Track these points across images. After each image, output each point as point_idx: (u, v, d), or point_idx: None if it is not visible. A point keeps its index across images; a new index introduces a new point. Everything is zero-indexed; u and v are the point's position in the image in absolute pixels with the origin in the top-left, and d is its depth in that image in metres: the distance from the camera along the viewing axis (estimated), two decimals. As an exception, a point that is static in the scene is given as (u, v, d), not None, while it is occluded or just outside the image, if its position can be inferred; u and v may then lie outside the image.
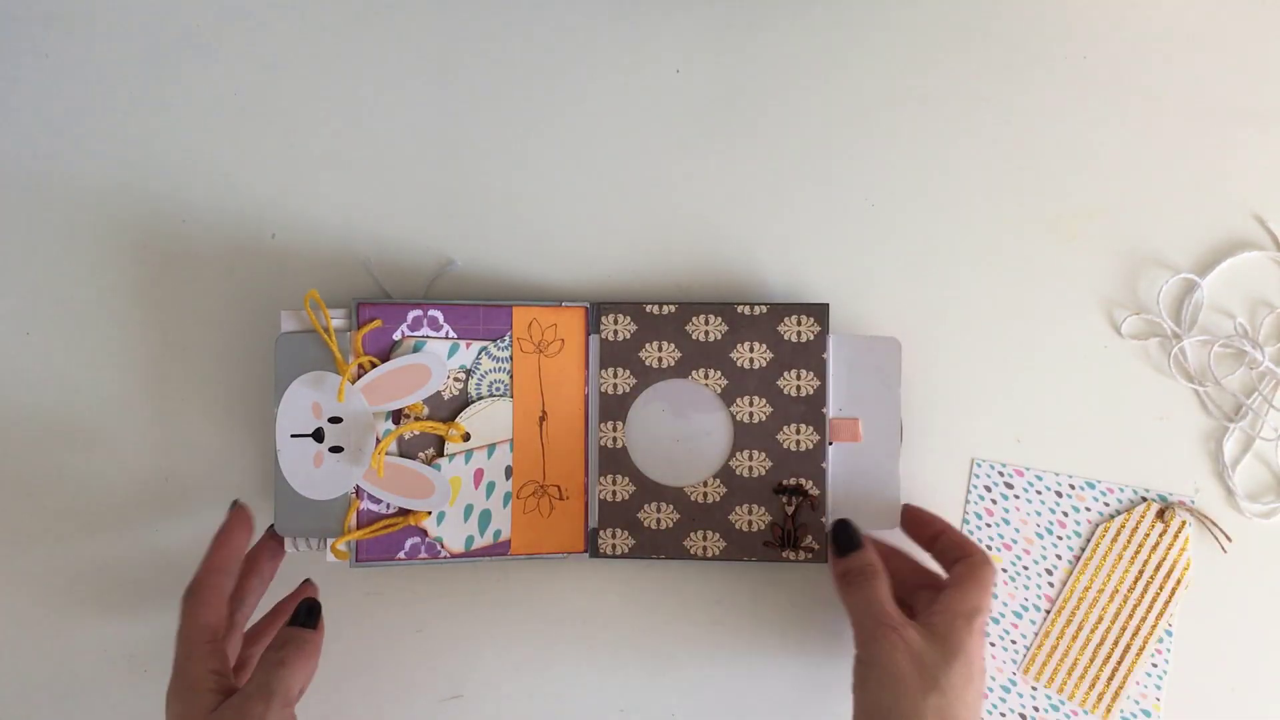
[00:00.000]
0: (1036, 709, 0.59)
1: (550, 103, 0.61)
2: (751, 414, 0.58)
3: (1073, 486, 0.60)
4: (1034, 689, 0.59)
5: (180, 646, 0.50)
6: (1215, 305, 0.60)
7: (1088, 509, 0.59)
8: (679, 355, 0.59)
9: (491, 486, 0.58)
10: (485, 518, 0.58)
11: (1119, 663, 0.59)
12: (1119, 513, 0.59)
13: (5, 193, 0.61)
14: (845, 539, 0.55)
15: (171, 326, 0.61)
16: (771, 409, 0.58)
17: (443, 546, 0.57)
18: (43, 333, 0.61)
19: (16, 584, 0.60)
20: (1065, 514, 0.59)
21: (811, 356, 0.58)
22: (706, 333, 0.58)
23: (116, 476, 0.60)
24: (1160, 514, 0.59)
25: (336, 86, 0.61)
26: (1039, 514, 0.59)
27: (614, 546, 0.59)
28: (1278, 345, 0.59)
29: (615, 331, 0.59)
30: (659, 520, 0.59)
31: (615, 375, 0.59)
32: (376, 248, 0.60)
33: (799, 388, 0.58)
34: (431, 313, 0.57)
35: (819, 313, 0.58)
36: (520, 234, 0.61)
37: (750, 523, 0.58)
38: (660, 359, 0.59)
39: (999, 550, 0.59)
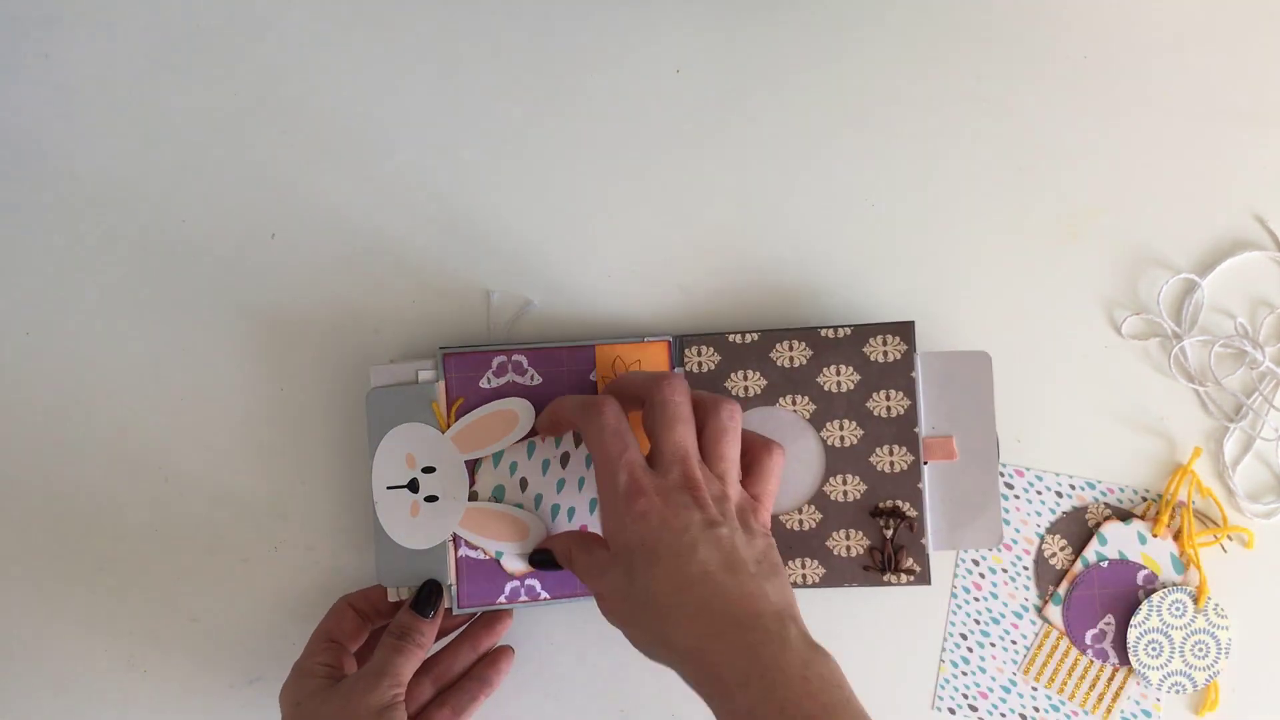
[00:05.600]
0: (1037, 709, 0.59)
1: (559, 102, 0.61)
2: (842, 438, 0.57)
3: (1073, 486, 0.59)
4: (1034, 689, 0.59)
5: (304, 649, 0.55)
6: (1215, 305, 0.60)
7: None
8: (765, 383, 0.58)
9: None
10: None
11: (1119, 663, 0.59)
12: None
13: (5, 193, 0.61)
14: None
15: (174, 330, 0.61)
16: (862, 431, 0.57)
17: (542, 588, 0.57)
18: (43, 333, 0.61)
19: (17, 584, 0.60)
20: (1065, 514, 0.59)
21: (900, 376, 0.57)
22: (791, 359, 0.58)
23: (114, 476, 0.60)
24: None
25: (335, 87, 0.61)
26: (1039, 514, 0.59)
27: None
28: (1278, 345, 0.59)
29: (699, 364, 0.58)
30: None
31: None
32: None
33: (889, 408, 0.57)
34: (516, 357, 0.57)
35: (905, 331, 0.57)
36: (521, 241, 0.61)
37: (848, 548, 0.57)
38: (746, 387, 0.58)
39: (999, 551, 0.59)
